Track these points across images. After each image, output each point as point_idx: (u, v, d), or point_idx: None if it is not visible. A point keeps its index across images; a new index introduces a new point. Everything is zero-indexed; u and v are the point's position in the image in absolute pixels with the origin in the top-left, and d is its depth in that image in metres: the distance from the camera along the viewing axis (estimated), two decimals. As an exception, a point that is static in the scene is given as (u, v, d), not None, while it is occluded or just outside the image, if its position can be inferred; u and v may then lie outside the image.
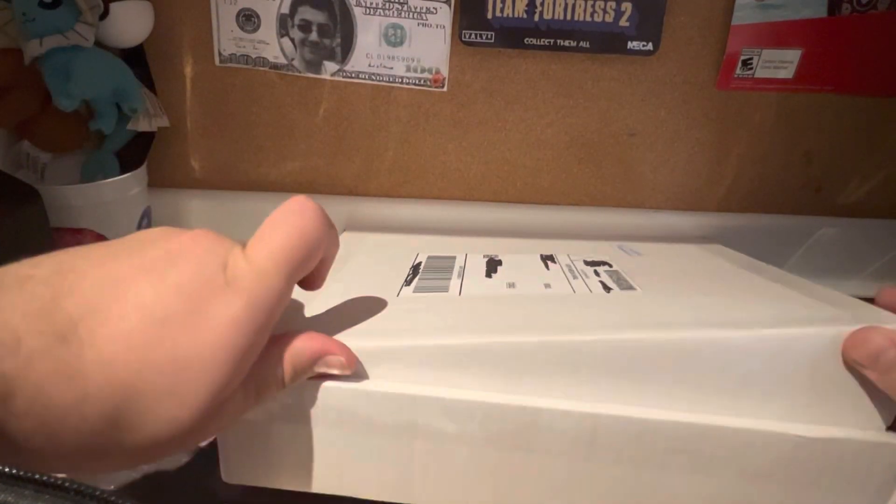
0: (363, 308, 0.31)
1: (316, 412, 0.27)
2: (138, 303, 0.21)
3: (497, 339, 0.26)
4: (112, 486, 0.33)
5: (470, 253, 0.43)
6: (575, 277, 0.37)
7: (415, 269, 0.39)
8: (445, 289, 0.34)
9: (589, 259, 0.42)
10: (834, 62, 0.49)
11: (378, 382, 0.27)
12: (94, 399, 0.19)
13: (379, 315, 0.30)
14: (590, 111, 0.52)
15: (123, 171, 0.49)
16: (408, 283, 0.36)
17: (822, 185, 0.55)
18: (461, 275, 0.37)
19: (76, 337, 0.20)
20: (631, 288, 0.34)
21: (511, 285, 0.35)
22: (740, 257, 0.46)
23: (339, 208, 0.56)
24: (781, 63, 0.49)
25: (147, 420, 0.21)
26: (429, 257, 0.42)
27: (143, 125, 0.49)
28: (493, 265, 0.40)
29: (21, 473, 0.17)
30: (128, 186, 0.49)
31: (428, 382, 0.26)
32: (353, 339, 0.27)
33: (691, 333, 0.27)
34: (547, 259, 0.42)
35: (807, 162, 0.54)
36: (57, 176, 0.49)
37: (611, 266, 0.40)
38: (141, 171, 0.50)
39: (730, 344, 0.26)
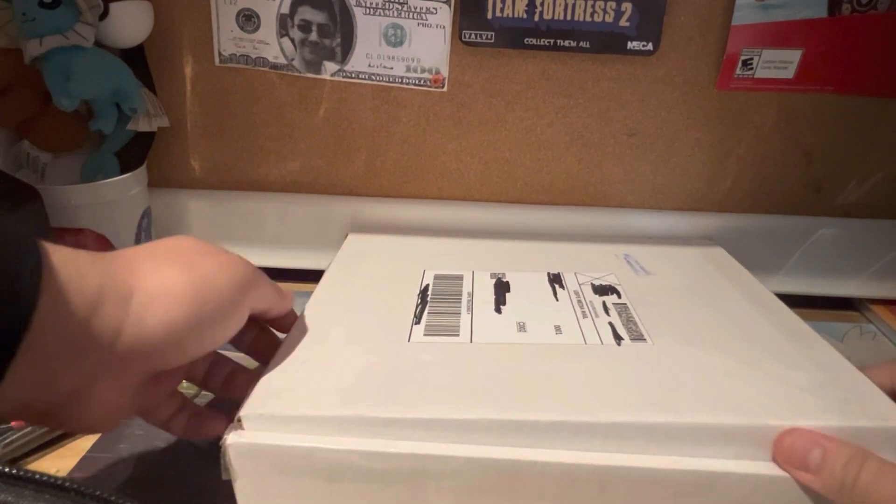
0: (378, 361, 0.32)
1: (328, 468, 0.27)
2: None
3: (511, 418, 0.27)
4: (112, 487, 0.33)
5: (476, 270, 0.44)
6: (585, 316, 0.37)
7: (423, 294, 0.40)
8: (456, 331, 0.35)
9: (597, 283, 0.42)
10: (834, 62, 0.49)
11: (383, 443, 0.27)
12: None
13: (393, 370, 0.31)
14: (590, 111, 0.52)
15: (123, 171, 0.49)
16: (417, 318, 0.36)
17: (822, 185, 0.55)
18: (470, 308, 0.38)
19: None
20: (641, 338, 0.35)
21: (522, 327, 0.36)
22: (738, 271, 0.46)
23: (339, 208, 0.56)
24: (781, 63, 0.49)
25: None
26: (436, 277, 0.42)
27: (143, 125, 0.49)
28: (501, 292, 0.40)
29: (21, 473, 0.17)
30: (128, 186, 0.49)
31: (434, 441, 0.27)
32: (369, 408, 0.28)
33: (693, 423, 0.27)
34: (554, 282, 0.42)
35: (807, 162, 0.54)
36: (57, 176, 0.50)
37: (619, 297, 0.40)
38: (141, 171, 0.50)
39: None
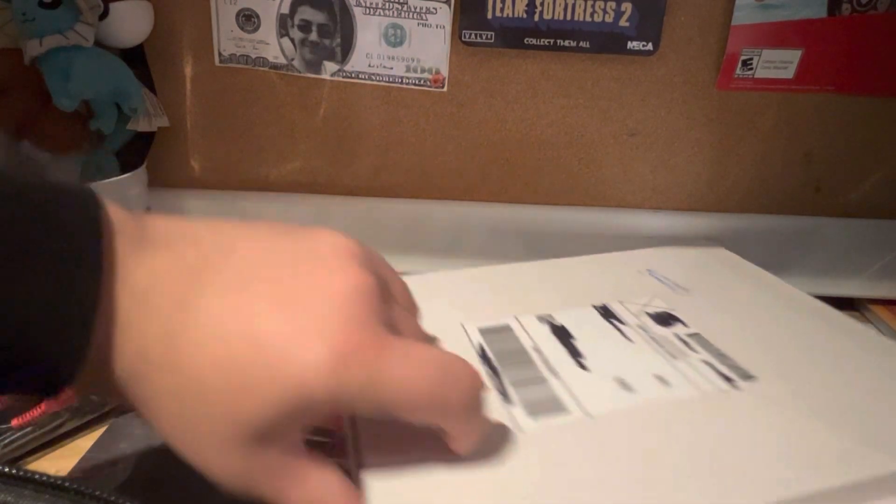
0: (511, 479, 0.25)
1: None
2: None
3: None
4: (112, 487, 0.33)
5: (519, 315, 0.38)
6: (674, 356, 0.34)
7: (484, 359, 0.33)
8: (561, 405, 0.30)
9: (651, 311, 0.39)
10: (834, 62, 0.49)
11: None
12: None
13: (545, 490, 0.25)
14: (590, 111, 0.52)
15: (123, 171, 0.49)
16: (504, 394, 0.30)
17: (823, 185, 0.55)
18: (552, 369, 0.32)
19: None
20: (750, 377, 0.32)
21: (624, 385, 0.31)
22: (757, 273, 0.46)
23: (339, 208, 0.56)
24: (781, 63, 0.49)
25: None
26: (484, 333, 0.36)
27: (142, 125, 0.49)
28: (567, 341, 0.35)
29: (21, 473, 0.17)
30: (127, 186, 0.49)
31: None
32: None
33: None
34: (608, 317, 0.38)
35: (807, 162, 0.54)
36: (56, 176, 0.49)
37: (685, 325, 0.37)
38: (140, 172, 0.50)
39: None
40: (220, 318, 0.22)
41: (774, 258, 0.56)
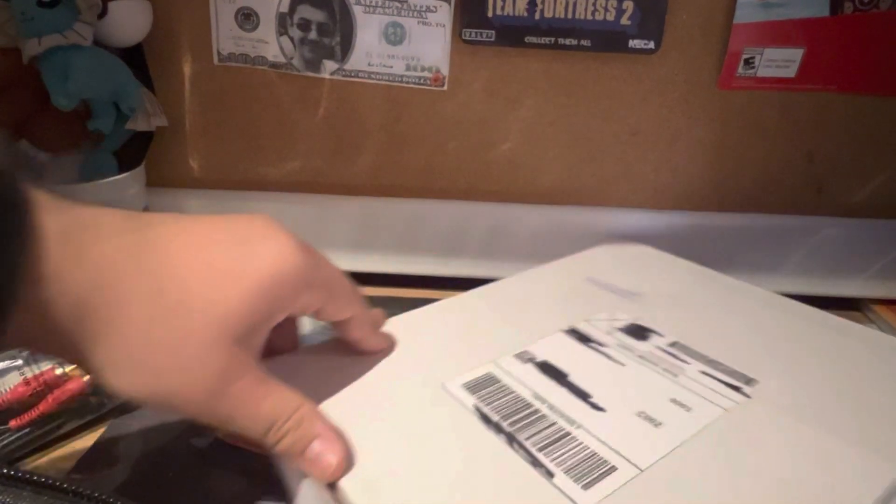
0: None
1: None
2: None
3: None
4: (112, 487, 0.33)
5: (495, 359, 0.34)
6: (674, 374, 0.33)
7: (489, 422, 0.29)
8: (605, 464, 0.27)
9: (620, 325, 0.38)
10: (836, 61, 0.49)
11: None
12: None
13: None
14: (591, 110, 0.52)
15: (122, 171, 0.49)
16: (537, 464, 0.27)
17: (824, 184, 0.55)
18: (572, 420, 0.30)
19: None
20: (750, 380, 0.32)
21: (651, 420, 0.30)
22: (688, 267, 0.47)
23: (339, 208, 0.56)
24: (783, 62, 0.49)
25: None
26: (473, 392, 0.31)
27: (141, 124, 0.49)
28: (563, 380, 0.33)
29: (20, 474, 0.17)
30: (126, 186, 0.49)
31: None
32: None
33: None
34: (583, 341, 0.36)
35: (808, 161, 0.54)
36: (55, 175, 0.49)
37: (661, 336, 0.37)
38: (139, 171, 0.50)
39: None
40: (186, 232, 0.25)
41: (776, 258, 0.56)
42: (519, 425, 0.29)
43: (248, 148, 0.55)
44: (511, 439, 0.28)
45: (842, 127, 0.52)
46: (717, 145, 0.53)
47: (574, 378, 0.33)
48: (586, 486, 0.25)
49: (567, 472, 0.26)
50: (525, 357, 0.34)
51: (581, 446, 0.28)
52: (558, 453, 0.27)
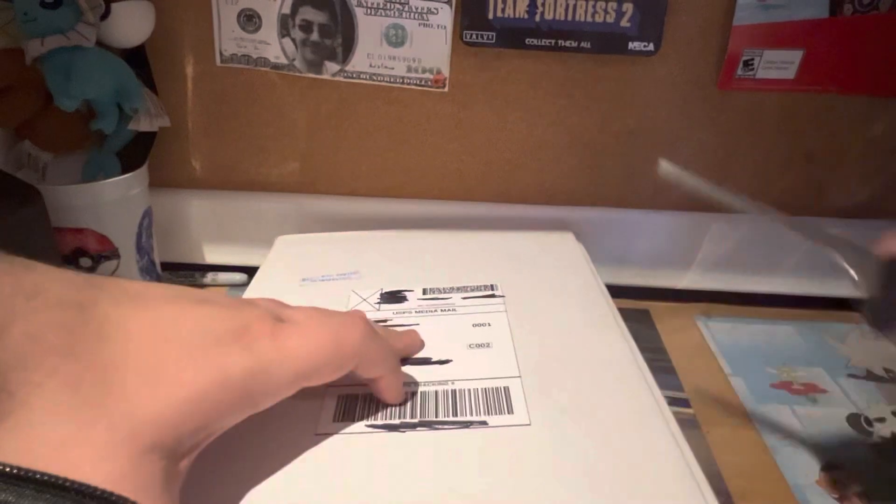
0: None
1: None
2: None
3: None
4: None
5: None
6: (454, 310, 0.39)
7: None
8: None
9: (374, 298, 0.41)
10: (836, 63, 0.49)
11: None
12: None
13: None
14: (591, 111, 0.52)
15: (124, 171, 0.49)
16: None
17: (823, 185, 0.55)
18: (444, 383, 0.32)
19: None
20: (493, 287, 0.41)
21: (482, 346, 0.35)
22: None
23: (339, 209, 0.56)
24: (783, 63, 0.49)
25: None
26: (368, 421, 0.30)
27: (144, 125, 0.49)
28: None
29: (22, 473, 0.17)
30: (129, 186, 0.49)
31: None
32: None
33: None
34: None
35: (808, 162, 0.54)
36: (58, 176, 0.49)
37: (409, 289, 0.42)
38: (142, 171, 0.50)
39: None
40: (125, 317, 0.21)
41: (776, 258, 0.56)
42: (417, 412, 0.30)
43: (250, 148, 0.55)
44: (428, 425, 0.29)
45: (841, 128, 0.52)
46: (716, 147, 0.53)
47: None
48: (509, 411, 0.30)
49: (488, 413, 0.30)
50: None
51: (472, 391, 0.31)
52: (466, 406, 0.30)
